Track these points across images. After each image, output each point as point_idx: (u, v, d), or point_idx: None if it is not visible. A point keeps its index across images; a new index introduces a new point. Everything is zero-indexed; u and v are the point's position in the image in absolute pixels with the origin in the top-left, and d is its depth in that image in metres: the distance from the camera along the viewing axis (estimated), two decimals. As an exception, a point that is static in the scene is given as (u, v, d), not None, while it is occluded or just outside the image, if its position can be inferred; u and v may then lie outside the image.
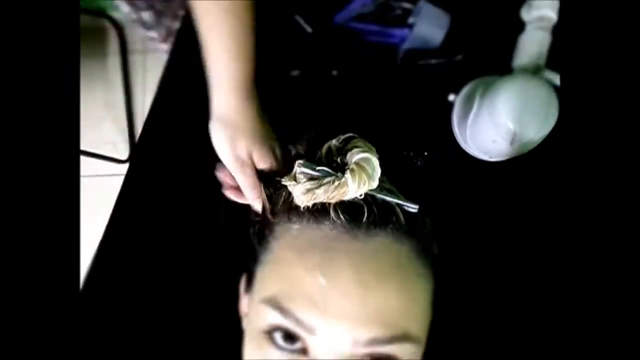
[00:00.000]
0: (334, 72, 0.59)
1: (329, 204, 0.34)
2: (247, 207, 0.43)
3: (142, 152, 0.54)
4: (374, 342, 0.30)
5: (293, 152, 0.47)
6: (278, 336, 0.31)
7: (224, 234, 0.49)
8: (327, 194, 0.33)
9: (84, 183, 1.17)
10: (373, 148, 0.36)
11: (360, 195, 0.34)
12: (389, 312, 0.31)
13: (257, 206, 0.41)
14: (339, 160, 0.36)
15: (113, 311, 0.47)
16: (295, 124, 0.51)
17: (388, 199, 0.35)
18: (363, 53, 0.59)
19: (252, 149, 0.40)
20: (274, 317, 0.31)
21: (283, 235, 0.35)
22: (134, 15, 0.79)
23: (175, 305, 0.47)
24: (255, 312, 0.34)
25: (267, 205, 0.40)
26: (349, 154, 0.35)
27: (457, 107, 0.50)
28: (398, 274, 0.32)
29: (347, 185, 0.33)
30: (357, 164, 0.34)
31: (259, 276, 0.36)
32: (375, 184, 0.34)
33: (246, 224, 0.43)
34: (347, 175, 0.33)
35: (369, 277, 0.31)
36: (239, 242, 0.43)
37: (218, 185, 0.45)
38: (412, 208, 0.35)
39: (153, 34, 0.85)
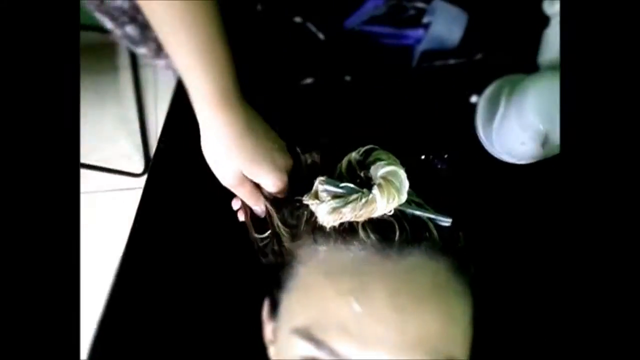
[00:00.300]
0: (347, 78, 0.57)
1: (357, 222, 0.31)
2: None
3: (158, 165, 0.53)
4: None
5: (309, 161, 0.45)
6: None
7: (244, 250, 0.47)
8: (354, 212, 0.31)
9: (101, 198, 1.17)
10: (397, 160, 0.34)
11: (390, 212, 0.32)
12: (429, 337, 0.29)
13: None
14: (362, 174, 0.34)
15: (132, 330, 0.45)
16: (309, 133, 0.49)
17: (419, 213, 0.33)
18: (377, 57, 0.57)
19: (243, 167, 0.37)
20: (307, 350, 0.29)
21: (309, 259, 0.33)
22: (118, 32, 0.77)
23: (195, 327, 0.46)
24: (286, 343, 0.32)
25: (274, 216, 0.37)
26: (372, 168, 0.33)
27: (481, 109, 0.48)
28: (436, 294, 0.30)
29: (376, 202, 0.31)
30: (383, 178, 0.32)
31: (285, 303, 0.34)
32: (404, 198, 0.32)
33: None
34: (375, 190, 0.31)
35: (406, 300, 0.29)
36: (260, 262, 0.42)
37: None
38: (445, 222, 0.33)
39: (142, 49, 0.82)
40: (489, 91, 0.48)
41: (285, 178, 0.38)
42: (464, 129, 0.50)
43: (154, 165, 0.53)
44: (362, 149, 0.36)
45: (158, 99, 1.26)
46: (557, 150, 0.43)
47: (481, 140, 0.49)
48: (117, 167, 1.13)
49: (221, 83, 0.35)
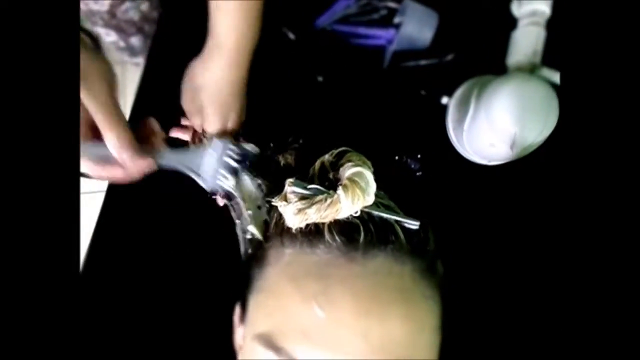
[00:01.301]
0: (320, 78, 0.56)
1: (323, 225, 0.31)
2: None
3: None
4: None
5: (282, 162, 0.44)
6: None
7: (216, 255, 0.45)
8: (319, 213, 0.30)
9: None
10: (368, 162, 0.33)
11: (356, 213, 0.31)
12: (394, 343, 0.28)
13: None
14: (331, 176, 0.33)
15: (101, 336, 0.44)
16: (281, 134, 0.48)
17: (386, 215, 0.32)
18: (348, 57, 0.56)
19: (208, 102, 0.41)
20: (267, 357, 0.28)
21: (276, 261, 0.32)
22: (122, 43, 0.76)
23: (165, 339, 0.44)
24: (249, 350, 0.31)
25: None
26: (341, 169, 0.33)
27: (452, 111, 0.48)
28: (402, 298, 0.29)
29: (340, 202, 0.30)
30: (349, 179, 0.31)
31: (252, 306, 0.33)
32: (370, 199, 0.31)
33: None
34: (340, 191, 0.30)
35: (370, 304, 0.28)
36: (232, 266, 0.41)
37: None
38: (413, 225, 0.32)
39: (139, 59, 0.81)
40: (459, 92, 0.48)
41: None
42: (435, 130, 0.50)
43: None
44: (335, 151, 0.35)
45: (126, 98, 1.23)
46: (526, 152, 0.43)
47: (452, 141, 0.49)
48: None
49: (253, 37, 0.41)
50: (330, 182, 0.33)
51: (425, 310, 0.31)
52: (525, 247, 0.46)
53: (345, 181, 0.31)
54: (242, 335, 0.35)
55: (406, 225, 0.33)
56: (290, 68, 0.56)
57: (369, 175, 0.32)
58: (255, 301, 0.33)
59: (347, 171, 0.32)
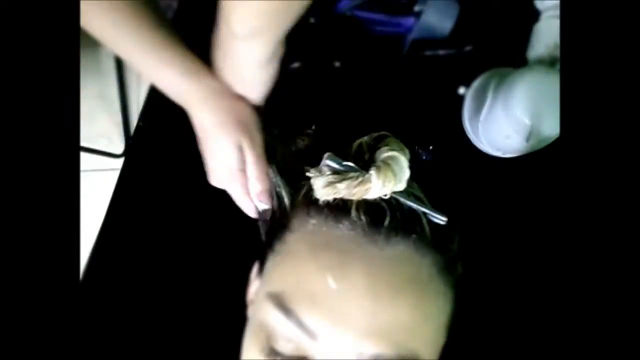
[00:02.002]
0: (337, 64, 0.56)
1: (351, 202, 0.31)
2: None
3: (137, 146, 0.51)
4: (378, 359, 0.28)
5: (293, 148, 0.45)
6: (279, 343, 0.30)
7: (228, 229, 0.46)
8: (349, 190, 0.31)
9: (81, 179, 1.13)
10: (405, 148, 0.34)
11: (385, 196, 0.32)
12: (399, 329, 0.28)
13: (253, 214, 0.40)
14: (367, 157, 0.34)
15: (114, 306, 0.45)
16: (296, 119, 0.49)
17: (415, 205, 0.32)
18: (367, 43, 0.56)
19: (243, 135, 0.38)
20: (276, 318, 0.29)
21: (299, 228, 0.33)
22: None
23: (177, 305, 0.45)
24: (260, 306, 0.32)
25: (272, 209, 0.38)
26: (377, 152, 0.33)
27: (469, 101, 0.48)
28: (415, 289, 0.30)
29: (371, 182, 0.31)
30: (383, 161, 0.32)
31: (269, 265, 0.34)
32: (402, 185, 0.32)
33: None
34: (372, 171, 0.31)
35: (383, 287, 0.29)
36: (246, 237, 0.42)
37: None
38: (440, 219, 0.33)
39: None
40: (476, 84, 0.48)
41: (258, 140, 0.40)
42: (451, 120, 0.51)
43: (132, 146, 0.51)
44: (375, 135, 0.36)
45: (141, 78, 1.23)
46: (541, 145, 0.44)
47: (467, 132, 0.49)
48: (97, 147, 1.09)
49: (192, 73, 0.38)
50: (365, 163, 0.34)
51: (436, 305, 0.31)
52: (535, 241, 0.46)
53: (379, 163, 0.32)
54: (256, 290, 0.37)
55: (433, 219, 0.33)
56: (307, 52, 0.56)
57: (403, 161, 0.32)
58: (273, 262, 0.33)
59: (383, 154, 0.33)
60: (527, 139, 0.43)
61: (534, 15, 0.48)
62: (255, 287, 0.38)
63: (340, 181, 0.31)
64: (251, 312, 0.36)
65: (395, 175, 0.32)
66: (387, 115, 0.53)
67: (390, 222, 0.31)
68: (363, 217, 0.31)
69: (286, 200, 0.37)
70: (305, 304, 0.29)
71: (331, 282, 0.28)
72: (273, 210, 0.39)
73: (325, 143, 0.42)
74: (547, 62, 0.44)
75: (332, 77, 0.55)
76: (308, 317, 0.28)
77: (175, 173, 0.49)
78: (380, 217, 0.31)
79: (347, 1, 0.57)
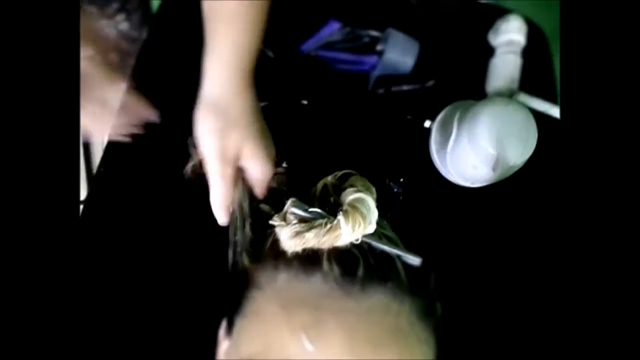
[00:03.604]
0: (304, 102, 0.57)
1: (322, 252, 0.30)
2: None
3: (98, 192, 0.49)
4: None
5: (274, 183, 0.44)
6: None
7: (202, 267, 0.44)
8: (318, 238, 0.30)
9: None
10: (372, 187, 0.33)
11: (357, 241, 0.31)
12: None
13: (221, 218, 0.37)
14: (332, 200, 0.33)
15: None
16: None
17: (387, 249, 0.31)
18: (333, 81, 0.57)
19: (243, 144, 0.35)
20: None
21: (267, 285, 0.31)
22: (98, 58, 0.75)
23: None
24: None
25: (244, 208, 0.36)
26: (342, 194, 0.32)
27: (435, 134, 0.49)
28: (397, 340, 0.28)
29: (340, 228, 0.30)
30: (350, 204, 0.31)
31: (238, 327, 0.32)
32: (372, 227, 0.31)
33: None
34: (340, 216, 0.30)
35: (363, 344, 0.27)
36: (219, 279, 0.39)
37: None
38: (414, 261, 0.32)
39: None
40: (441, 116, 0.49)
41: (272, 170, 0.38)
42: (419, 153, 0.51)
43: (93, 192, 0.49)
44: (339, 173, 0.35)
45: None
46: (508, 173, 0.45)
47: (436, 164, 0.50)
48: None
49: (252, 48, 0.36)
50: (331, 207, 0.33)
51: (420, 354, 0.29)
52: (509, 268, 0.47)
53: (346, 206, 0.31)
54: (226, 352, 0.34)
55: (408, 260, 0.32)
56: (273, 91, 0.57)
57: (370, 202, 0.32)
58: (242, 322, 0.31)
59: (349, 196, 0.32)
60: (494, 169, 0.44)
61: (489, 50, 0.51)
62: (224, 348, 0.35)
63: (308, 230, 0.30)
64: None
65: (364, 218, 0.31)
66: (356, 150, 0.53)
67: (364, 271, 0.29)
68: (335, 268, 0.29)
69: (246, 260, 0.35)
70: None
71: (307, 344, 0.27)
72: (235, 261, 0.36)
73: (295, 182, 0.41)
74: (506, 94, 0.46)
75: (300, 114, 0.56)
76: None
77: (134, 220, 0.47)
78: (353, 265, 0.29)
79: (312, 42, 0.58)
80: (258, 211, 0.38)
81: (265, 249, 0.33)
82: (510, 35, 0.48)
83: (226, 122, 0.35)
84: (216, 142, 0.35)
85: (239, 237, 0.36)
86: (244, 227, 0.36)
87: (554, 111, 0.46)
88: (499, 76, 0.47)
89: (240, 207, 0.37)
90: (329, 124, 0.55)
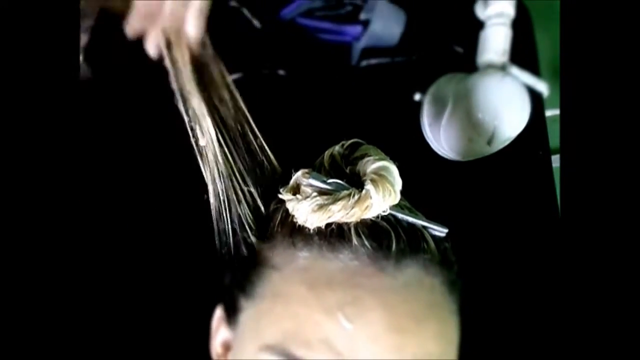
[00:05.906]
0: (281, 72, 0.53)
1: (348, 226, 0.27)
2: None
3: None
4: None
5: None
6: None
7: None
8: (345, 210, 0.27)
9: None
10: (387, 156, 0.31)
11: (384, 211, 0.28)
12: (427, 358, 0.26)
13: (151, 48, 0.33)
14: (347, 170, 0.30)
15: None
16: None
17: (413, 220, 0.29)
18: (313, 51, 0.54)
19: None
20: None
21: (286, 265, 0.28)
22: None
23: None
24: None
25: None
26: (361, 164, 0.30)
27: (427, 107, 0.48)
28: (434, 314, 0.28)
29: (370, 198, 0.27)
30: (375, 173, 0.28)
31: (250, 312, 0.29)
32: (398, 197, 0.29)
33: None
34: (369, 186, 0.27)
35: (405, 320, 0.26)
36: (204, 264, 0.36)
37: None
38: (441, 232, 0.30)
39: None
40: (433, 89, 0.48)
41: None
42: (408, 126, 0.50)
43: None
44: (347, 143, 0.32)
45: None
46: (500, 147, 0.45)
47: (427, 137, 0.49)
48: None
49: None
50: (349, 178, 0.30)
51: (454, 326, 0.29)
52: (498, 244, 0.47)
53: (372, 176, 0.28)
54: (225, 342, 0.31)
55: (433, 232, 0.31)
56: (249, 61, 0.52)
57: (395, 170, 0.29)
58: (257, 306, 0.29)
59: (371, 165, 0.29)
60: (490, 142, 0.43)
61: (477, 23, 0.50)
62: (224, 338, 0.32)
63: (333, 202, 0.27)
64: None
65: (393, 186, 0.29)
66: (339, 125, 0.50)
67: (397, 245, 0.27)
68: (367, 243, 0.27)
69: (252, 237, 0.31)
70: (318, 349, 0.25)
71: (345, 323, 0.25)
72: (237, 244, 0.32)
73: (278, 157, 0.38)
74: (499, 67, 0.46)
75: (277, 86, 0.52)
76: None
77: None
78: (386, 239, 0.27)
79: (291, 8, 0.54)
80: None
81: (275, 228, 0.30)
82: (498, 8, 0.47)
83: None
84: None
85: (240, 210, 0.32)
86: (244, 199, 0.32)
87: (541, 86, 0.46)
88: (490, 49, 0.46)
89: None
90: (309, 97, 0.52)
